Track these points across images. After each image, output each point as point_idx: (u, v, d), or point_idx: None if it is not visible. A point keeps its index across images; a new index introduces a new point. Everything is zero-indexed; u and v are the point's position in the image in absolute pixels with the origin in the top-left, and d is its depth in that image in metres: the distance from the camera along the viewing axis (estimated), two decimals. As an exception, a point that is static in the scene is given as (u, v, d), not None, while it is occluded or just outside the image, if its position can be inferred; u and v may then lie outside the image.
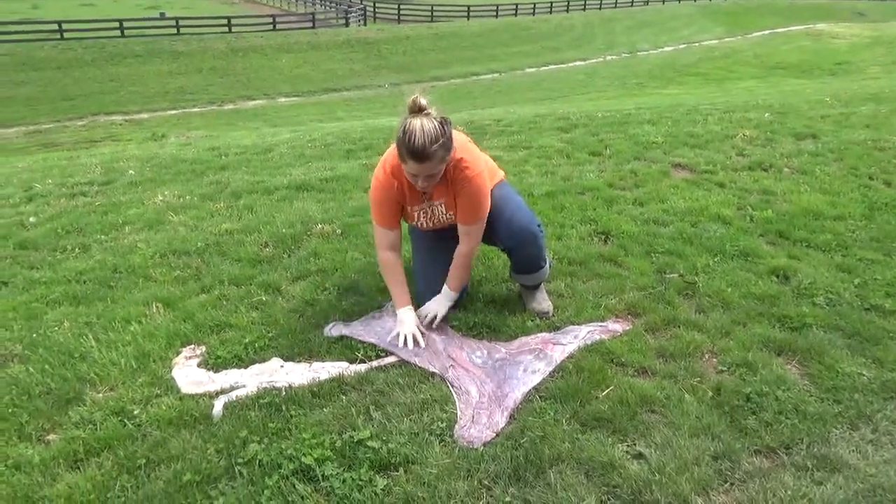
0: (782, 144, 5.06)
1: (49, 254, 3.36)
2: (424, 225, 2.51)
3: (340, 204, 3.86)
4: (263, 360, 2.29)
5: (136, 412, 2.04)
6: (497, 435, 1.92)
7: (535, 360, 2.24)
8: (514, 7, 35.90)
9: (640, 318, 2.56)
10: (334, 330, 2.47)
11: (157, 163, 5.31)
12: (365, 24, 31.72)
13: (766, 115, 6.27)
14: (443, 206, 2.43)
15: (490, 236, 2.51)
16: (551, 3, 37.81)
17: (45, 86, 19.13)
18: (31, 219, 3.95)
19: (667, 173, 4.34)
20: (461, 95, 17.62)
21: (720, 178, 4.21)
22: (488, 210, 2.40)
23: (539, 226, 2.54)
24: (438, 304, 2.47)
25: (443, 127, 2.15)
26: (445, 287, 2.48)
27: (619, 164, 4.53)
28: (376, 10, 34.59)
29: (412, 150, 2.13)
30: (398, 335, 2.37)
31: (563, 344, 2.34)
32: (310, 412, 2.02)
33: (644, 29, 32.01)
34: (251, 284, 2.87)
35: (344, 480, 1.74)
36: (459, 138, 2.34)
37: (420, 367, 2.23)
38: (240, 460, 1.82)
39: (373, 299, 2.67)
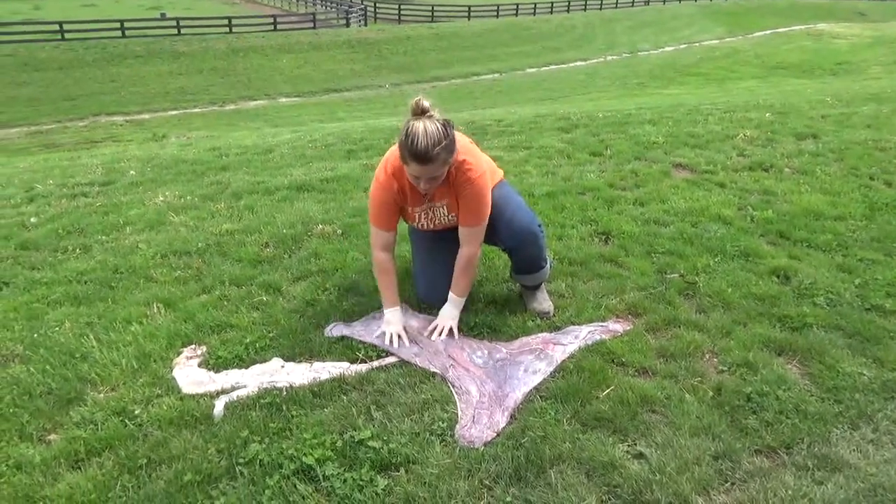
0: (783, 144, 5.06)
1: (50, 254, 3.37)
2: (425, 226, 2.51)
3: (341, 204, 3.86)
4: (264, 361, 2.29)
5: (137, 412, 2.04)
6: (498, 435, 1.92)
7: (535, 360, 2.24)
8: (515, 7, 35.91)
9: (641, 319, 2.56)
10: (335, 330, 2.47)
11: (158, 163, 5.31)
12: (366, 25, 31.73)
13: (767, 115, 6.27)
14: (444, 207, 2.43)
15: (491, 236, 2.51)
16: (552, 3, 37.82)
17: (47, 86, 19.15)
18: (33, 219, 3.95)
19: (667, 173, 4.34)
20: (462, 96, 17.62)
21: (721, 179, 4.21)
22: (489, 212, 2.40)
23: (539, 226, 2.54)
24: (449, 316, 2.45)
25: (446, 129, 2.15)
26: (451, 294, 2.46)
27: (619, 165, 4.53)
28: (377, 10, 34.60)
29: (415, 153, 2.13)
30: (384, 334, 2.39)
31: (563, 344, 2.34)
32: (311, 412, 2.02)
33: (645, 29, 32.00)
34: (252, 285, 2.87)
35: (345, 480, 1.74)
36: (462, 140, 2.34)
37: (421, 367, 2.24)
38: (241, 460, 1.82)
39: (373, 299, 2.67)
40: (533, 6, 36.76)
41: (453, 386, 2.14)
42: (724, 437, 1.90)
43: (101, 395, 2.15)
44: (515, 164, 4.58)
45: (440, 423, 1.96)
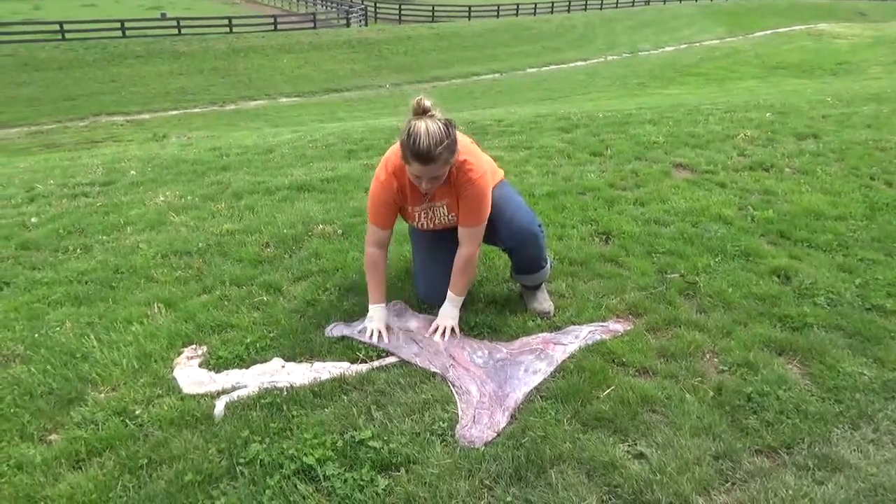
0: (783, 144, 5.06)
1: (51, 254, 3.37)
2: (425, 225, 2.52)
3: (341, 204, 3.87)
4: (265, 361, 2.29)
5: (137, 412, 2.04)
6: (498, 435, 1.92)
7: (536, 360, 2.24)
8: (516, 7, 35.91)
9: (641, 318, 2.56)
10: (335, 330, 2.47)
11: (159, 163, 5.31)
12: (366, 25, 31.72)
13: (768, 115, 6.27)
14: (445, 207, 2.43)
15: (491, 236, 2.51)
16: (552, 3, 37.81)
17: (47, 86, 19.14)
18: (33, 219, 3.96)
19: (668, 173, 4.34)
20: (462, 95, 17.62)
21: (721, 178, 4.21)
22: (489, 212, 2.41)
23: (540, 226, 2.54)
24: (449, 316, 2.45)
25: (447, 129, 2.16)
26: (450, 293, 2.46)
27: (620, 165, 4.53)
28: (377, 10, 34.60)
29: (417, 153, 2.13)
30: (365, 329, 2.42)
31: (564, 344, 2.34)
32: (311, 412, 2.02)
33: (645, 29, 31.98)
34: (252, 285, 2.87)
35: (345, 480, 1.74)
36: (463, 140, 2.34)
37: (421, 367, 2.24)
38: (241, 460, 1.82)
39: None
40: (533, 6, 36.75)
41: (453, 386, 2.14)
42: (724, 437, 1.90)
43: (102, 395, 2.15)
44: (516, 164, 4.58)
45: (441, 423, 1.96)
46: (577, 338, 2.38)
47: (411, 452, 1.84)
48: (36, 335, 2.51)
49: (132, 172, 5.03)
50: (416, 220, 2.51)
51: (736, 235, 3.29)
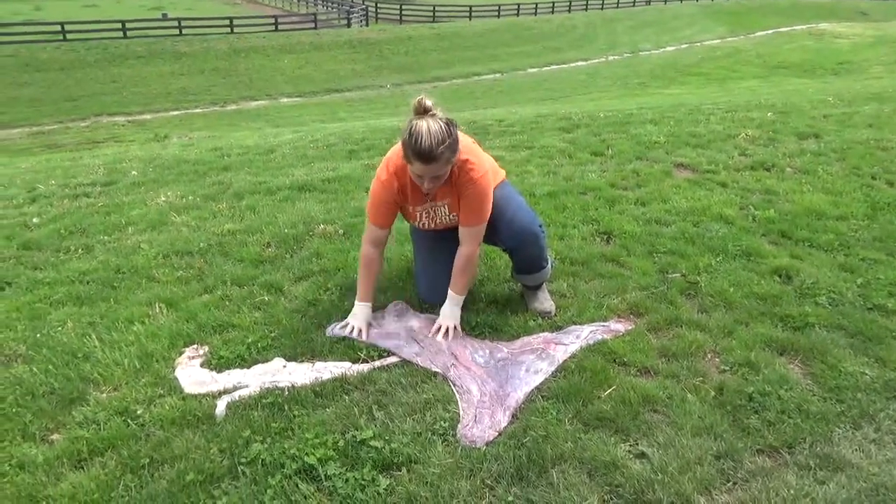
0: (785, 144, 5.06)
1: (52, 254, 3.37)
2: (426, 225, 2.52)
3: (342, 204, 3.87)
4: (266, 360, 2.29)
5: (139, 412, 2.04)
6: (499, 434, 1.92)
7: (537, 360, 2.24)
8: (516, 7, 35.90)
9: (643, 318, 2.56)
10: (337, 330, 2.47)
11: (160, 163, 5.32)
12: (367, 25, 31.73)
13: (769, 114, 6.27)
14: (446, 206, 2.43)
15: (491, 236, 2.51)
16: (553, 3, 37.80)
17: (48, 87, 19.17)
18: (35, 219, 3.96)
19: (669, 173, 4.34)
20: (463, 96, 17.62)
21: (722, 178, 4.21)
22: (490, 212, 2.41)
23: (540, 226, 2.54)
24: (451, 316, 2.45)
25: (449, 128, 2.16)
26: (451, 292, 2.46)
27: (621, 164, 4.53)
28: (378, 10, 34.59)
29: (419, 152, 2.14)
30: (347, 325, 2.45)
31: (565, 344, 2.34)
32: (312, 412, 2.02)
33: (646, 29, 31.97)
34: (254, 285, 2.87)
35: (347, 480, 1.74)
36: (465, 140, 2.34)
37: (422, 367, 2.24)
38: (243, 460, 1.82)
39: (374, 299, 2.67)
40: (534, 6, 36.74)
41: (455, 385, 2.14)
42: (725, 437, 1.90)
43: (104, 394, 2.16)
44: (517, 164, 4.58)
45: (442, 422, 1.96)
46: (579, 337, 2.38)
47: (413, 452, 1.84)
48: (38, 335, 2.52)
49: (133, 173, 5.04)
50: (418, 219, 2.51)
51: (737, 235, 3.29)
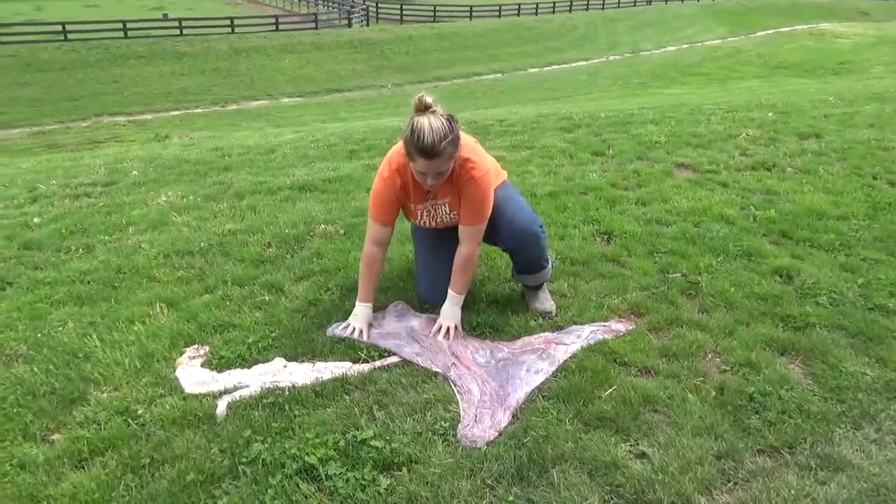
0: (786, 144, 5.05)
1: (53, 254, 3.37)
2: (427, 224, 2.52)
3: (343, 204, 3.87)
4: (267, 360, 2.29)
5: (140, 412, 2.04)
6: (500, 434, 1.92)
7: (538, 360, 2.24)
8: (517, 7, 35.89)
9: (643, 318, 2.56)
10: (337, 330, 2.47)
11: (161, 163, 5.32)
12: (367, 25, 31.74)
13: (770, 114, 6.26)
14: (447, 205, 2.43)
15: (492, 237, 2.51)
16: (554, 3, 37.79)
17: (49, 87, 19.18)
18: (36, 219, 3.96)
19: (670, 173, 4.34)
20: (463, 95, 17.62)
21: (723, 178, 4.20)
22: (490, 212, 2.41)
23: (541, 226, 2.54)
24: (451, 316, 2.46)
25: (450, 124, 2.17)
26: (450, 292, 2.46)
27: (621, 164, 4.53)
28: (379, 10, 34.59)
29: (422, 148, 2.14)
30: (348, 326, 2.45)
31: (566, 344, 2.34)
32: (313, 412, 2.02)
33: (647, 29, 31.96)
34: (254, 284, 2.87)
35: (347, 480, 1.74)
36: (467, 139, 2.35)
37: (423, 367, 2.24)
38: (243, 460, 1.82)
39: (375, 299, 2.67)
40: (535, 6, 36.73)
41: (455, 385, 2.14)
42: (726, 437, 1.90)
43: (105, 394, 2.16)
44: (518, 164, 4.58)
45: (442, 422, 1.96)
46: (579, 337, 2.38)
47: (413, 452, 1.84)
48: (38, 335, 2.52)
49: (134, 173, 5.04)
50: (419, 218, 2.51)
51: (738, 235, 3.29)
